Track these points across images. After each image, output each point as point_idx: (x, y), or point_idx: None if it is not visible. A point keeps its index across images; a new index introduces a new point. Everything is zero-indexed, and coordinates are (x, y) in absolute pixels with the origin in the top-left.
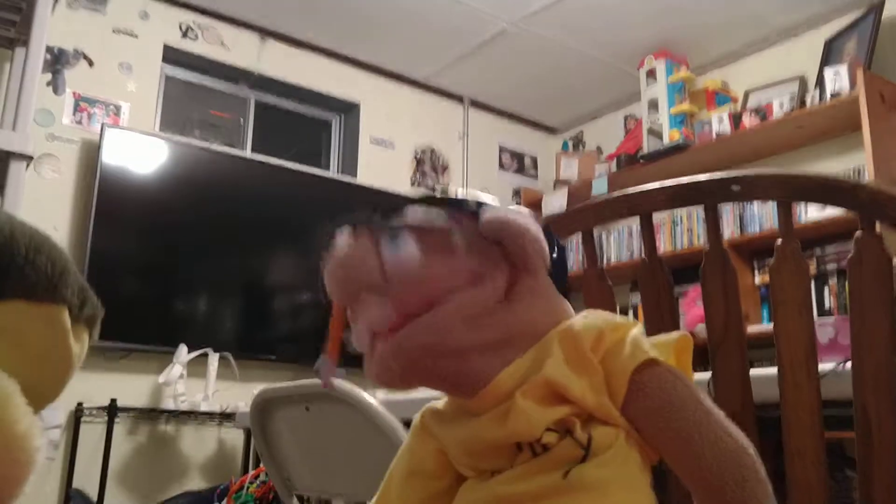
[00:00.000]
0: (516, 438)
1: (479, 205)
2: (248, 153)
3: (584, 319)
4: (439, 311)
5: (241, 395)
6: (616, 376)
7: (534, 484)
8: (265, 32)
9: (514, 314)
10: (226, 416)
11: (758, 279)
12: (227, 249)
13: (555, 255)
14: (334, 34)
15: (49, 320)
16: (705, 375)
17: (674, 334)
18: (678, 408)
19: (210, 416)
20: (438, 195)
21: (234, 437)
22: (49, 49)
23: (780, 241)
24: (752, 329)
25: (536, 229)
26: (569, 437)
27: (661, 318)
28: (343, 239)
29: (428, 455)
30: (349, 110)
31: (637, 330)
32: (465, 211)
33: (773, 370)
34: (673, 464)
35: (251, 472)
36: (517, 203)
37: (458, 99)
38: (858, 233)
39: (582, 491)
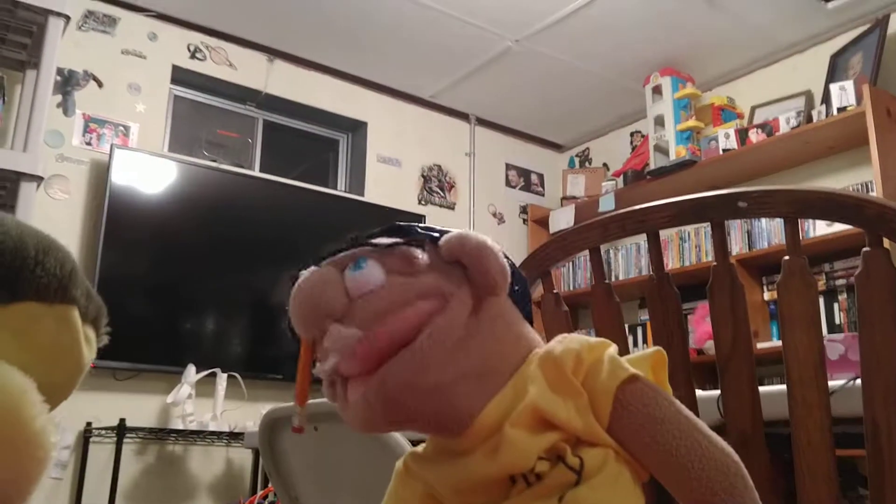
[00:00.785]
0: (510, 471)
1: (441, 232)
2: (256, 172)
3: (561, 343)
4: (414, 346)
5: (249, 414)
6: (599, 396)
7: None
8: (273, 53)
9: (486, 338)
10: (234, 436)
11: (766, 295)
12: (236, 268)
13: (517, 286)
14: (341, 54)
15: (61, 320)
16: (714, 393)
17: (648, 350)
18: (661, 421)
19: (218, 435)
20: (400, 225)
21: (242, 456)
22: (59, 71)
23: (787, 257)
24: (762, 346)
25: (495, 247)
26: (560, 464)
27: (669, 335)
28: (307, 273)
29: (414, 499)
30: (356, 129)
31: (613, 349)
32: (427, 237)
33: (783, 387)
34: (662, 478)
35: (260, 493)
36: (524, 220)
37: (465, 117)
38: (866, 248)
39: None
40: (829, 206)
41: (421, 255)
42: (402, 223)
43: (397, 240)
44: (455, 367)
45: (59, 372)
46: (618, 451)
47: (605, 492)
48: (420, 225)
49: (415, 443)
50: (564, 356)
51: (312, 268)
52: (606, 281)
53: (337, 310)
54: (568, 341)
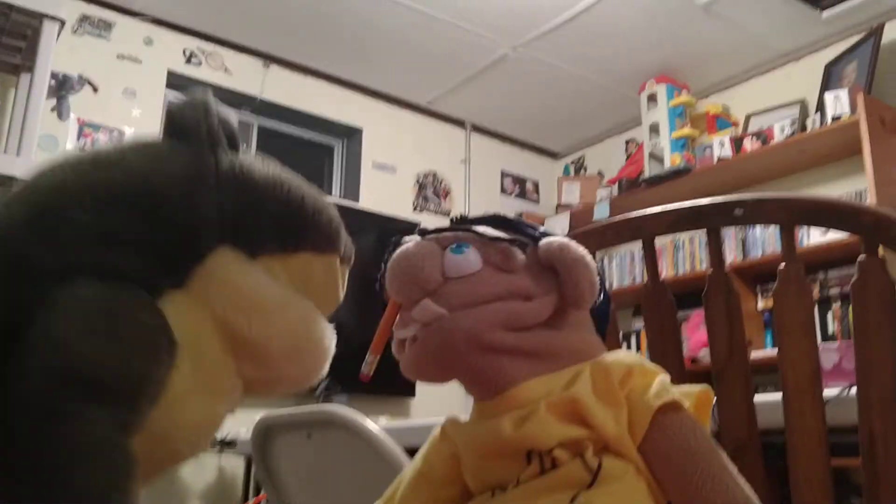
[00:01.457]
0: (529, 443)
1: (543, 233)
2: None
3: (616, 356)
4: (486, 307)
5: (242, 421)
6: (639, 412)
7: None
8: (268, 58)
9: (553, 337)
10: (226, 444)
11: (761, 304)
12: None
13: (601, 299)
14: (337, 60)
15: (328, 266)
16: None
17: (696, 387)
18: (694, 453)
19: (210, 443)
20: (508, 218)
21: (234, 464)
22: (54, 75)
23: (782, 265)
24: (756, 354)
25: (592, 263)
26: (579, 459)
27: (664, 343)
28: (410, 243)
29: (439, 461)
30: (351, 135)
31: (666, 377)
32: (530, 236)
33: (778, 396)
34: None
35: (252, 500)
36: None
37: (460, 124)
38: (862, 257)
39: None
40: (826, 213)
41: (520, 256)
42: (509, 217)
43: (502, 234)
44: (514, 340)
45: (325, 305)
46: (640, 469)
47: (619, 501)
48: (525, 221)
49: (411, 453)
50: (615, 367)
51: (416, 238)
52: None
53: (431, 285)
54: (623, 356)
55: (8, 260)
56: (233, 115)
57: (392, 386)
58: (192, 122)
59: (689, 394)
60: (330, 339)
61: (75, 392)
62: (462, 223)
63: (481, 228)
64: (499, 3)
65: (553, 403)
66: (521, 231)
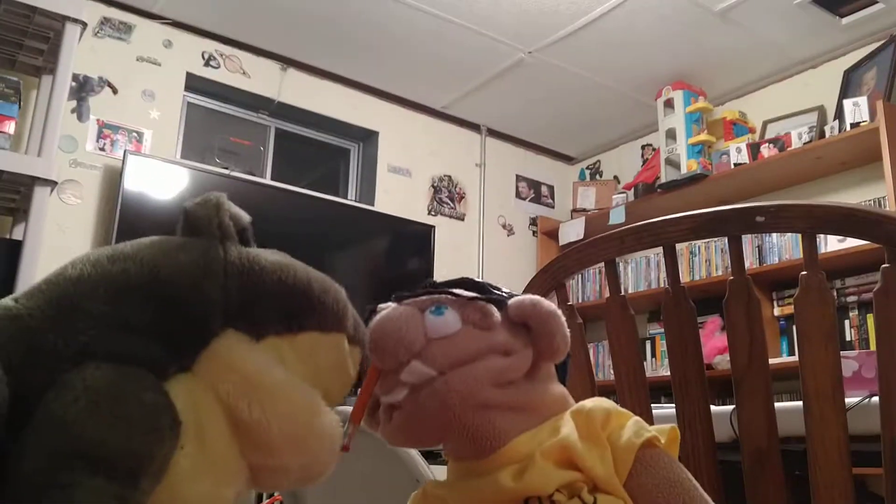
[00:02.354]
0: (531, 492)
1: (511, 294)
2: (267, 180)
3: (595, 402)
4: (474, 366)
5: None
6: (622, 452)
7: None
8: (286, 61)
9: (534, 389)
10: None
11: (777, 311)
12: None
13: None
14: (354, 64)
15: (335, 346)
16: (728, 408)
17: (665, 426)
18: (677, 485)
19: None
20: (475, 280)
21: None
22: (74, 77)
23: (804, 272)
24: (772, 362)
25: (562, 317)
26: (576, 499)
27: (683, 349)
28: (389, 308)
29: None
30: (368, 138)
31: (638, 418)
32: (499, 296)
33: (798, 403)
34: None
35: (266, 501)
36: (534, 232)
37: (476, 128)
38: (885, 265)
39: None
40: (849, 222)
41: (497, 313)
42: (476, 279)
43: (478, 295)
44: (502, 396)
45: (336, 389)
46: (627, 503)
47: None
48: (491, 284)
49: (423, 452)
50: (595, 411)
51: (392, 304)
52: (622, 294)
53: (417, 346)
54: (600, 401)
55: (25, 345)
56: (245, 215)
57: None
58: (204, 217)
59: (661, 431)
60: (336, 429)
61: (76, 467)
62: (434, 287)
63: (455, 291)
64: (515, 9)
65: (546, 452)
66: (490, 292)
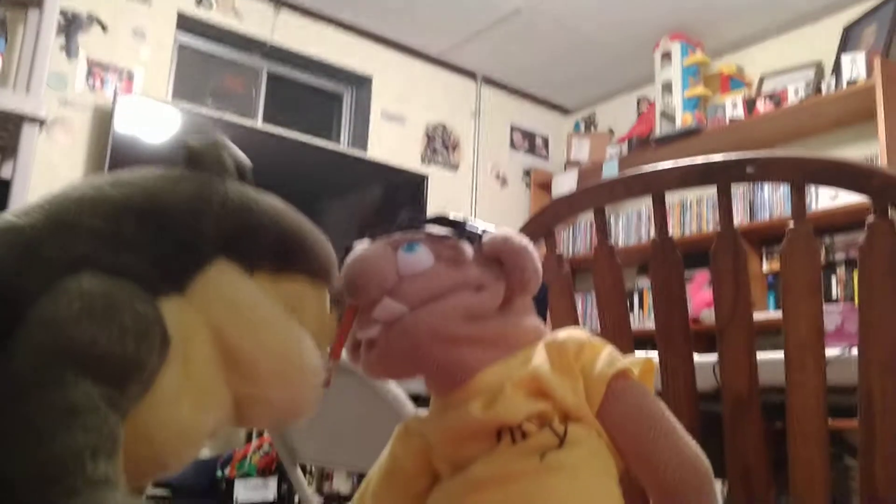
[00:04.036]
0: (500, 421)
1: (484, 230)
2: (259, 124)
3: (569, 332)
4: (443, 301)
5: None
6: (594, 382)
7: (511, 466)
8: (279, 2)
9: (507, 322)
10: None
11: (766, 266)
12: None
13: (540, 293)
14: (349, 5)
15: (320, 298)
16: (711, 358)
17: (640, 357)
18: (647, 416)
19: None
20: (450, 217)
21: None
22: (62, 13)
23: (791, 223)
24: (759, 316)
25: (534, 252)
26: (547, 428)
27: (669, 299)
28: (362, 246)
29: (408, 455)
30: (361, 84)
31: (612, 348)
32: (471, 232)
33: (780, 354)
34: (637, 467)
35: (254, 442)
36: (527, 184)
37: (472, 76)
38: (870, 218)
39: (556, 472)
40: (838, 173)
41: (468, 249)
42: (451, 217)
43: (449, 231)
44: (472, 330)
45: (316, 338)
46: (600, 433)
47: (583, 457)
48: (468, 220)
49: (416, 399)
50: (568, 343)
51: (366, 242)
52: (610, 244)
53: (388, 284)
54: (573, 332)
55: (22, 250)
56: (246, 159)
57: None
58: (206, 152)
59: (636, 363)
60: (319, 366)
61: (66, 366)
62: (410, 224)
63: (427, 227)
64: None
65: (516, 382)
66: (464, 228)
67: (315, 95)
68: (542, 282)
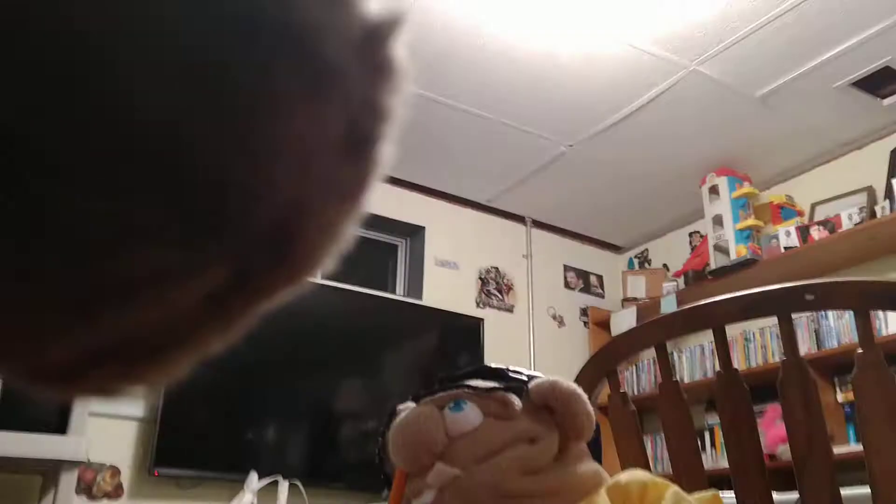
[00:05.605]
0: None
1: (531, 376)
2: (317, 278)
3: (632, 474)
4: (497, 458)
5: None
6: None
7: None
8: None
9: (565, 472)
10: None
11: (840, 396)
12: (296, 374)
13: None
14: (401, 163)
15: None
16: (792, 496)
17: (706, 493)
18: None
19: None
20: (492, 367)
21: None
22: None
23: (860, 351)
24: (839, 450)
25: (584, 395)
26: None
27: (740, 435)
28: (408, 409)
29: None
30: (414, 233)
31: (677, 487)
32: (517, 381)
33: (866, 489)
34: None
35: None
36: (585, 323)
37: (521, 220)
38: None
39: None
40: None
41: (517, 401)
42: (493, 365)
43: (495, 384)
44: (531, 484)
45: None
46: None
47: None
48: (510, 368)
49: None
50: (631, 485)
51: (411, 403)
52: (675, 379)
53: (438, 448)
54: (635, 473)
55: None
56: None
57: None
58: None
59: (703, 499)
60: None
61: None
62: (451, 381)
63: (474, 382)
64: (554, 105)
65: None
66: (509, 378)
67: (371, 248)
68: (596, 423)
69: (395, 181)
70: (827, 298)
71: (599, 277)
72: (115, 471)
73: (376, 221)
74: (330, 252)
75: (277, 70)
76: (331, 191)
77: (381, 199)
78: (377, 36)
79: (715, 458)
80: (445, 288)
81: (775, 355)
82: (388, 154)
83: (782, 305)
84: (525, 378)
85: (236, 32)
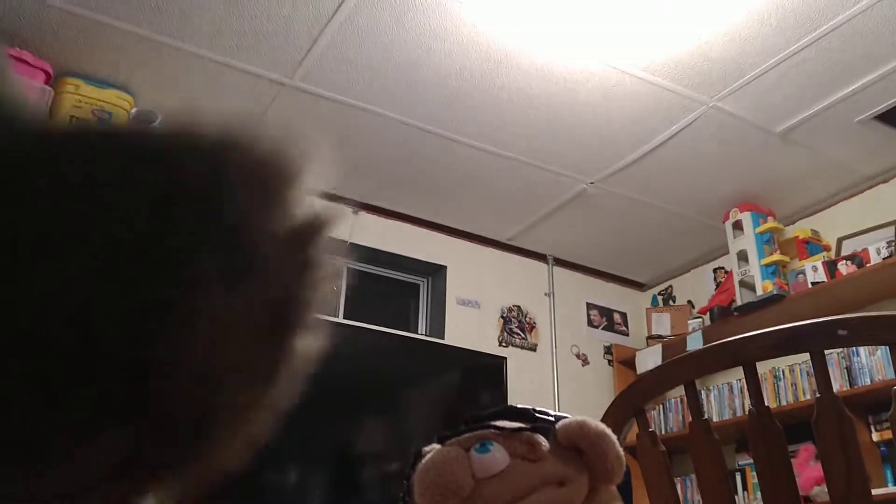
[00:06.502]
0: None
1: (558, 416)
2: (340, 319)
3: None
4: (527, 501)
5: None
6: None
7: None
8: (359, 205)
9: None
10: None
11: (875, 436)
12: (318, 414)
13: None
14: (421, 203)
15: None
16: None
17: None
18: None
19: None
20: (518, 407)
21: None
22: None
23: None
24: (877, 492)
25: (613, 436)
26: None
27: (774, 474)
28: (433, 451)
29: None
30: (436, 273)
31: None
32: (544, 421)
33: None
34: None
35: None
36: (609, 361)
37: (542, 258)
38: None
39: None
40: None
41: (544, 443)
42: (519, 405)
43: (521, 425)
44: None
45: None
46: None
47: None
48: (537, 409)
49: None
50: None
51: (436, 445)
52: (705, 417)
53: (465, 490)
54: None
55: None
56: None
57: None
58: None
59: None
60: None
61: None
62: (476, 421)
63: (500, 423)
64: (574, 143)
65: None
66: (535, 418)
67: (393, 287)
68: (626, 465)
69: (416, 221)
70: (860, 333)
71: (623, 315)
72: None
73: (398, 261)
74: (239, 434)
75: (200, 252)
76: (243, 370)
77: (403, 239)
78: (305, 234)
79: (747, 501)
80: (467, 327)
81: (806, 393)
82: (310, 344)
83: (815, 341)
84: (552, 418)
85: (162, 214)
